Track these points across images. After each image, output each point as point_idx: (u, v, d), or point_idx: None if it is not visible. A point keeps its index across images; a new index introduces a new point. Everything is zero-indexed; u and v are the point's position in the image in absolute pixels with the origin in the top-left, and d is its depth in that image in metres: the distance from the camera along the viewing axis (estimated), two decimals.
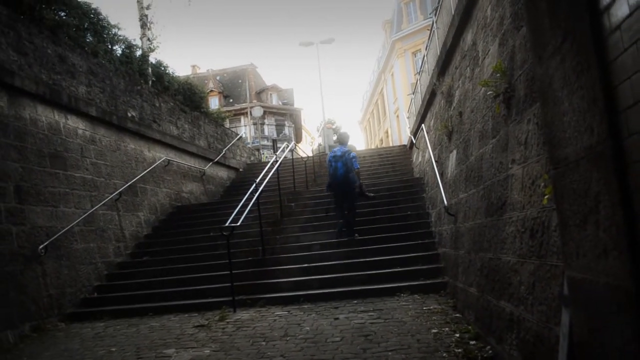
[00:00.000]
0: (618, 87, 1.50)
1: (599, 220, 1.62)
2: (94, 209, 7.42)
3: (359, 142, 57.99)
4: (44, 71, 7.08)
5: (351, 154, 7.64)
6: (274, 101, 37.23)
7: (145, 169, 9.39)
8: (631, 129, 1.44)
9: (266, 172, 8.45)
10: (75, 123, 7.61)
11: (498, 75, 3.61)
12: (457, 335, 4.04)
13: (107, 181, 8.13)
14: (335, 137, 12.73)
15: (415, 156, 11.82)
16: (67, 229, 6.69)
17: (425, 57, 10.43)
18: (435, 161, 7.11)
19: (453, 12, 5.82)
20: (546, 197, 2.59)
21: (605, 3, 1.53)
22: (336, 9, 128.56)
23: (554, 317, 2.40)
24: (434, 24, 8.37)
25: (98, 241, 7.52)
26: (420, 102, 10.38)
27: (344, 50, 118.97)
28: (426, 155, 8.56)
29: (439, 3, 7.82)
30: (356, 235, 7.58)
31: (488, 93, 3.98)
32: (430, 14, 17.68)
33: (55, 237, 6.40)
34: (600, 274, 1.64)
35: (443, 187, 6.13)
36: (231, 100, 35.36)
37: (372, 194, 8.46)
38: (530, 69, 2.97)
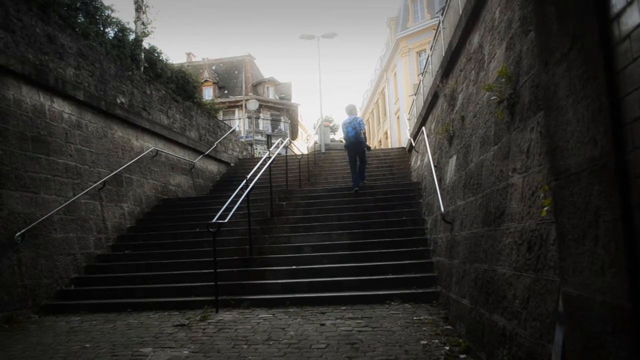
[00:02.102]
0: (625, 98, 1.47)
1: (598, 236, 1.60)
2: (76, 197, 7.16)
3: None
4: (31, 50, 6.81)
5: (358, 119, 9.69)
6: (271, 95, 36.78)
7: (132, 159, 9.11)
8: (636, 143, 1.41)
9: (258, 168, 8.25)
10: (61, 106, 7.34)
11: (503, 80, 3.56)
12: (447, 348, 3.95)
13: (91, 169, 7.86)
14: (331, 136, 13.88)
15: (414, 160, 11.67)
16: (46, 216, 6.46)
17: (429, 58, 10.33)
18: (435, 166, 6.97)
19: (460, 13, 5.72)
20: (545, 209, 2.54)
21: (616, 11, 1.50)
22: (340, 4, 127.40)
23: (547, 334, 2.36)
24: (441, 24, 8.26)
25: (78, 231, 7.26)
26: (422, 104, 10.29)
27: (345, 47, 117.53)
28: (425, 159, 8.41)
29: (446, 2, 7.72)
30: (365, 181, 10.01)
31: (492, 98, 3.92)
32: (437, 13, 17.58)
33: (33, 224, 6.18)
34: (597, 292, 1.62)
35: (441, 193, 6.02)
36: (226, 92, 34.90)
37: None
38: (536, 75, 2.93)
